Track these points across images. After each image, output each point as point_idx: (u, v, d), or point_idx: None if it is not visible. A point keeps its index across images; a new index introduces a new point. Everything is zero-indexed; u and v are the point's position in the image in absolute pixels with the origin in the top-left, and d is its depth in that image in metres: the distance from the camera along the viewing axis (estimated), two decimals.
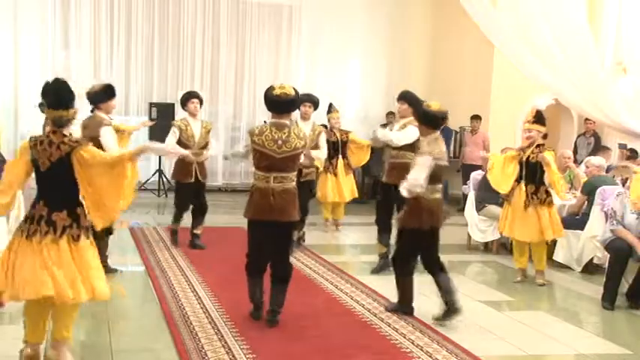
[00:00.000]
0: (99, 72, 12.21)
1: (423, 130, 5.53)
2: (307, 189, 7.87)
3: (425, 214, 5.36)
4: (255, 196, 5.16)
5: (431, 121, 5.46)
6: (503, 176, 7.03)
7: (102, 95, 6.34)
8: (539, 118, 6.89)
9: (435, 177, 5.37)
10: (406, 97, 6.74)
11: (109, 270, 6.12)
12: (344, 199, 9.36)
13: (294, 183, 5.22)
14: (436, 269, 5.54)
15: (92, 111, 6.42)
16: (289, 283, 5.27)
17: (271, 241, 5.20)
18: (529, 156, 6.79)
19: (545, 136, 6.93)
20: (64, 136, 4.08)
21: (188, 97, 7.73)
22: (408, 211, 5.45)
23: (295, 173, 5.27)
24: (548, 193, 6.84)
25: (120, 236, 8.57)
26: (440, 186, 5.53)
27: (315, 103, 7.84)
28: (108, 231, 6.29)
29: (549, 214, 6.85)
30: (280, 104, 5.11)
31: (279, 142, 5.06)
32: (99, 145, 5.84)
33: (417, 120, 5.74)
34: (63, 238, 4.02)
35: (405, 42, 13.60)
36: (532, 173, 6.81)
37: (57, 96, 4.12)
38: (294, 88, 5.19)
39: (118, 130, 6.93)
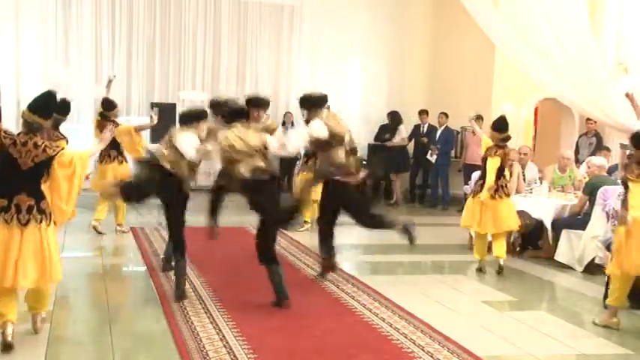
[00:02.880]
0: (100, 71, 12.18)
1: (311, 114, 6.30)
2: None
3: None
4: None
5: (311, 102, 6.30)
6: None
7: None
8: (494, 124, 7.55)
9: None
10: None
11: None
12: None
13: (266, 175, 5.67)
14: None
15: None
16: (267, 265, 5.66)
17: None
18: (486, 157, 7.31)
19: (506, 139, 7.38)
20: (43, 139, 4.54)
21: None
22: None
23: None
24: (504, 189, 7.24)
25: (121, 236, 8.59)
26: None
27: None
28: None
29: (507, 206, 7.28)
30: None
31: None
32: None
33: (302, 107, 6.44)
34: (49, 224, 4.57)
35: (405, 42, 13.58)
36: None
37: (45, 104, 4.63)
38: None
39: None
